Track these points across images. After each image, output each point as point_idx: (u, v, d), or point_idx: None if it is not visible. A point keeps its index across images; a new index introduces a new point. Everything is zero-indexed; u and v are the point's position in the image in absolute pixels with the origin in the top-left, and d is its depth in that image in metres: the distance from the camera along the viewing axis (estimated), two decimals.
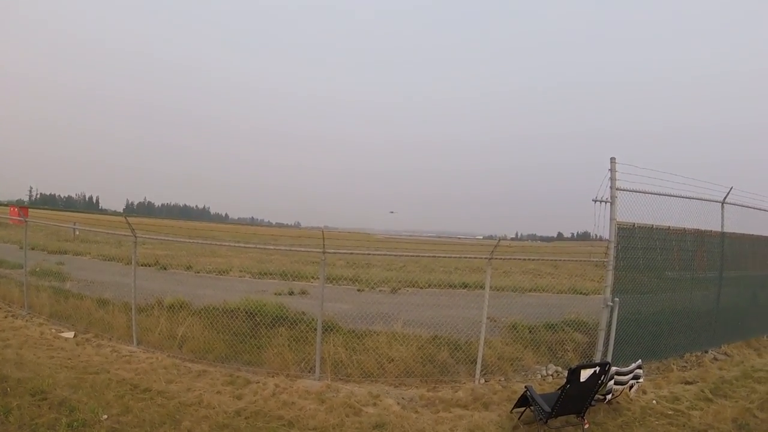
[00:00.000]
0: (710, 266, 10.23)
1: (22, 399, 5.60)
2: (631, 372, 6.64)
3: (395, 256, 18.77)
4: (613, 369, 6.32)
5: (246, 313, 9.04)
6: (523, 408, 6.13)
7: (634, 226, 8.59)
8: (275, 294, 12.57)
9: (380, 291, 14.92)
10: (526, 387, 6.13)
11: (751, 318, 11.08)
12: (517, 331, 9.29)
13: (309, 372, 7.48)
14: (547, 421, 5.64)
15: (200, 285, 13.64)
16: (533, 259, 10.81)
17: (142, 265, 13.41)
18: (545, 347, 8.70)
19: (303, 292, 13.53)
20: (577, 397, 5.65)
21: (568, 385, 5.46)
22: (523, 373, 8.00)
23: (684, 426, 6.15)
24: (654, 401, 6.90)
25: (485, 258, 7.92)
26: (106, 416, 5.45)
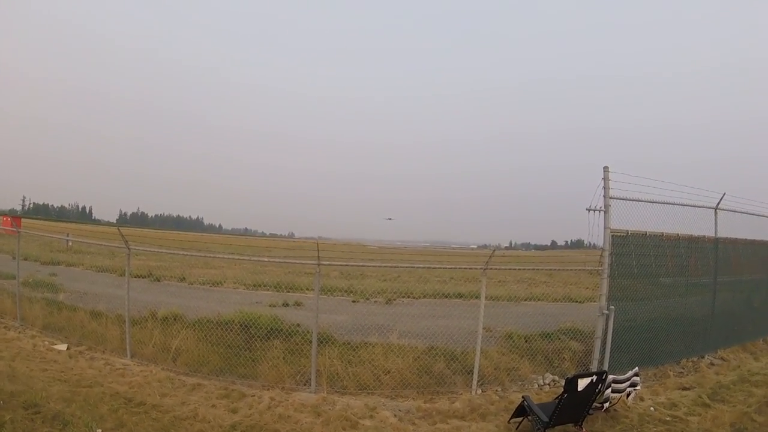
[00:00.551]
0: (704, 271, 10.31)
1: (15, 413, 5.52)
2: (628, 379, 6.65)
3: (390, 267, 18.76)
4: (610, 377, 6.33)
5: (240, 325, 8.97)
6: (521, 418, 6.11)
7: (627, 233, 8.65)
8: (270, 306, 12.47)
9: (375, 302, 14.86)
10: (523, 397, 6.12)
11: (746, 322, 11.15)
12: (513, 341, 9.28)
13: (305, 385, 7.43)
14: (545, 431, 5.63)
15: (194, 297, 13.51)
16: (528, 269, 10.84)
17: (135, 277, 13.30)
18: (542, 356, 8.69)
19: (297, 304, 13.43)
20: (574, 406, 5.65)
21: (566, 395, 5.46)
22: (520, 383, 7.99)
23: None
24: (652, 408, 6.90)
25: (480, 269, 7.93)
26: (100, 430, 5.38)
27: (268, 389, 7.23)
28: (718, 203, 9.91)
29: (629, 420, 6.46)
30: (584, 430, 5.92)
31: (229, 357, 8.15)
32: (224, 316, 9.57)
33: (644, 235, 9.03)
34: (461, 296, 15.13)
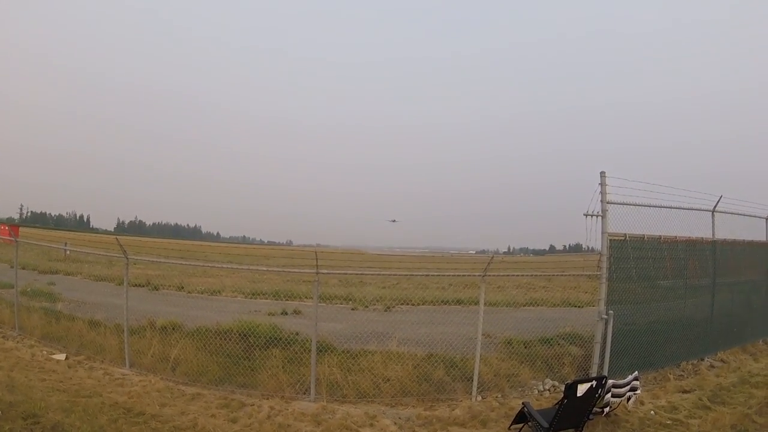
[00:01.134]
0: (703, 274, 10.32)
1: (14, 423, 5.51)
2: (628, 384, 6.64)
3: (389, 275, 18.74)
4: (610, 382, 6.32)
5: (239, 334, 8.96)
6: (521, 424, 6.09)
7: (625, 236, 8.67)
8: (268, 314, 12.46)
9: (374, 309, 14.85)
10: (523, 403, 6.11)
11: (745, 323, 11.16)
12: (513, 347, 9.27)
13: (304, 393, 7.40)
14: None
15: (192, 306, 13.49)
16: (527, 275, 10.85)
17: (133, 286, 13.28)
18: (541, 362, 8.67)
19: (296, 312, 13.42)
20: (574, 411, 5.64)
21: (566, 400, 5.45)
22: (519, 389, 7.97)
23: None
24: (652, 412, 6.90)
25: (479, 275, 7.94)
26: None
27: (268, 398, 7.20)
28: (715, 206, 9.97)
29: (630, 424, 6.45)
30: None
31: (229, 366, 8.12)
32: (223, 325, 9.54)
33: (642, 238, 9.05)
34: (460, 302, 15.10)
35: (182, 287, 18.13)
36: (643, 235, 8.99)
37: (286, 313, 13.29)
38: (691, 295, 9.90)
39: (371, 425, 6.40)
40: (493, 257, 8.52)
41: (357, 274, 16.03)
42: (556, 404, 5.79)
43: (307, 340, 8.61)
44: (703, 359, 9.64)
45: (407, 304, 15.57)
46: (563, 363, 8.70)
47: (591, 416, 5.98)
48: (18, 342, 9.50)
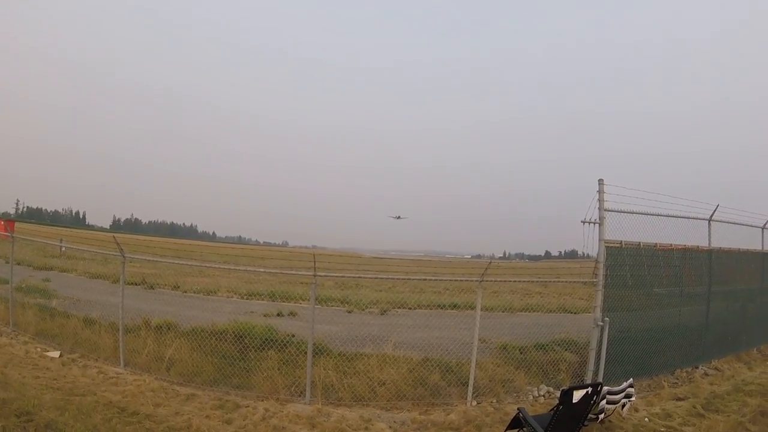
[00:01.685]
0: (698, 281, 10.37)
1: (7, 420, 5.48)
2: (622, 391, 6.65)
3: (385, 279, 18.74)
4: (605, 388, 6.33)
5: (235, 335, 8.94)
6: (516, 430, 6.08)
7: (621, 244, 8.70)
8: (264, 315, 12.42)
9: (370, 312, 14.84)
10: (518, 409, 6.10)
11: (740, 331, 11.21)
12: (508, 352, 9.28)
13: (299, 396, 7.39)
14: None
15: (188, 305, 13.46)
16: (524, 281, 10.87)
17: (129, 284, 13.24)
18: (536, 368, 8.69)
19: (292, 314, 13.38)
20: (569, 418, 5.64)
21: (561, 406, 5.45)
22: (515, 395, 7.98)
23: None
24: (646, 419, 6.92)
25: (476, 280, 7.95)
26: None
27: (263, 400, 7.19)
28: (712, 215, 10.03)
29: (624, 431, 6.47)
30: None
31: (224, 367, 8.10)
32: (218, 325, 9.52)
33: (638, 245, 9.08)
34: (456, 307, 15.12)
35: (178, 286, 18.08)
36: (639, 242, 9.02)
37: (282, 315, 13.26)
38: (687, 303, 9.95)
39: (366, 429, 6.40)
40: (491, 262, 8.54)
41: (355, 277, 16.00)
42: (551, 410, 5.78)
43: (302, 342, 8.62)
44: (697, 367, 9.67)
45: (403, 307, 15.60)
46: (558, 369, 8.72)
47: (586, 423, 5.99)
48: (12, 338, 9.46)
